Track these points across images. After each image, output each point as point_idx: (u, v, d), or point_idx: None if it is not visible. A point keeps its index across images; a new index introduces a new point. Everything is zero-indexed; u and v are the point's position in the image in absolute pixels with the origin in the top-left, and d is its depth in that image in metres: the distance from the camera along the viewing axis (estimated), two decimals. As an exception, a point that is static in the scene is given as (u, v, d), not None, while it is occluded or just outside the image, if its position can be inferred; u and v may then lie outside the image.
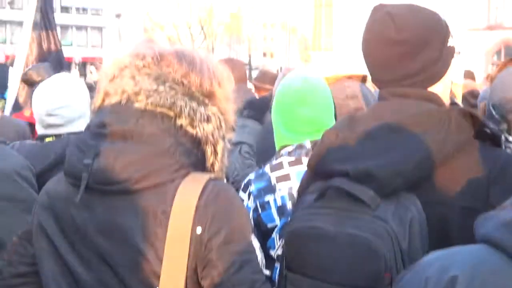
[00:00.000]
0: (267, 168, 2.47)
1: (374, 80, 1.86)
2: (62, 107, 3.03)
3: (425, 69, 1.73)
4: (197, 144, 1.57)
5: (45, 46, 5.90)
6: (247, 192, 2.46)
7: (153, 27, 67.25)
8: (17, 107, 5.39)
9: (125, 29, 55.94)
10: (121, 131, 1.54)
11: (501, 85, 2.97)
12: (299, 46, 72.44)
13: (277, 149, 2.55)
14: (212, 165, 1.60)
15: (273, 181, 2.42)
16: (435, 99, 1.74)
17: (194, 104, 1.56)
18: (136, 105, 1.54)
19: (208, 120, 1.57)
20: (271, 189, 2.41)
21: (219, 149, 1.60)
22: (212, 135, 1.58)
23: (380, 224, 1.49)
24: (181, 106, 1.54)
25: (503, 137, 1.75)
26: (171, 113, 1.54)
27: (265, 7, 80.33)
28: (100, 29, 60.03)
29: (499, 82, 2.98)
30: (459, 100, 4.46)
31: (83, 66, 54.82)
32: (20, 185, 2.59)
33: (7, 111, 5.36)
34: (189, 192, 1.48)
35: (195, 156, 1.57)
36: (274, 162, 2.48)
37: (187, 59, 1.60)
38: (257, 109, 4.07)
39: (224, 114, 1.63)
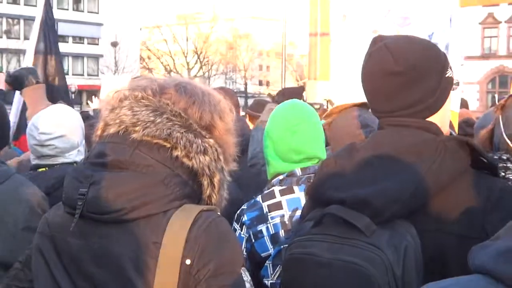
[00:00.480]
0: (259, 198, 2.50)
1: (373, 111, 1.89)
2: (55, 137, 3.04)
3: (423, 100, 1.75)
4: (194, 175, 1.58)
5: (48, 71, 5.88)
6: (240, 222, 2.48)
7: (150, 56, 67.81)
8: (18, 134, 5.36)
9: (122, 58, 56.27)
10: (118, 161, 1.56)
11: None
12: (294, 74, 72.92)
13: (268, 177, 2.58)
14: (209, 197, 1.61)
15: (265, 209, 2.44)
16: (432, 129, 1.75)
17: (190, 136, 1.57)
18: (133, 135, 1.57)
19: (204, 152, 1.58)
20: (263, 218, 2.43)
21: (216, 181, 1.61)
22: (209, 167, 1.59)
23: (374, 251, 1.51)
24: (177, 137, 1.56)
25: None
26: (167, 144, 1.56)
27: (260, 36, 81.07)
28: (96, 58, 60.41)
29: None
30: (455, 128, 4.47)
31: (79, 94, 55.21)
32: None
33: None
34: (180, 224, 1.49)
35: (190, 187, 1.57)
36: (266, 191, 2.51)
37: (188, 92, 1.62)
38: None
39: (223, 147, 1.64)
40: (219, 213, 1.59)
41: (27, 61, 5.90)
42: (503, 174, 2.14)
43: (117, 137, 1.59)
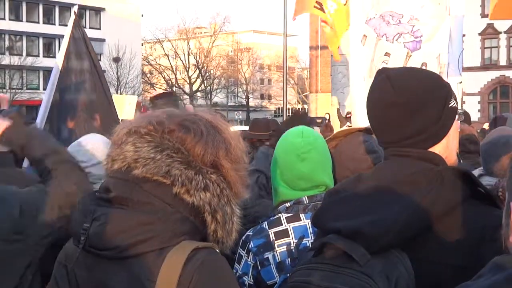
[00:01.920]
0: (265, 224, 2.49)
1: (379, 141, 1.93)
2: (92, 165, 3.11)
3: (424, 130, 1.78)
4: (195, 211, 1.58)
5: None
6: (246, 249, 2.47)
7: (152, 71, 67.85)
8: None
9: (124, 73, 56.33)
10: (119, 198, 1.59)
11: None
12: (296, 87, 72.88)
13: (274, 204, 2.58)
14: (215, 231, 1.61)
15: (272, 237, 2.43)
16: (433, 159, 1.78)
17: (190, 173, 1.57)
18: (134, 172, 1.58)
19: (205, 188, 1.58)
20: (270, 246, 2.42)
21: (219, 217, 1.60)
22: (210, 204, 1.58)
23: (366, 280, 1.54)
24: (175, 174, 1.56)
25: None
26: (167, 181, 1.57)
27: (261, 50, 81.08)
28: (98, 73, 60.41)
29: None
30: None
31: (81, 110, 55.10)
32: None
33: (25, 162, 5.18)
34: (174, 262, 1.49)
35: (191, 224, 1.58)
36: (272, 218, 2.50)
37: (193, 130, 1.62)
38: None
39: (229, 182, 1.64)
40: (217, 250, 1.59)
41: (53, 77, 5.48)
42: None
43: (120, 173, 1.61)
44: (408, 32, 4.78)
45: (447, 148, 1.84)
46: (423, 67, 4.73)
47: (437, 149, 1.81)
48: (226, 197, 1.62)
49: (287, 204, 2.48)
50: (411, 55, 4.80)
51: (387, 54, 4.84)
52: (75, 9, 5.69)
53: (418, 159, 1.77)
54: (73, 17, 5.72)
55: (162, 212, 1.55)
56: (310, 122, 13.56)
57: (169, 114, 1.68)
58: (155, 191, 1.57)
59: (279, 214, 2.48)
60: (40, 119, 5.30)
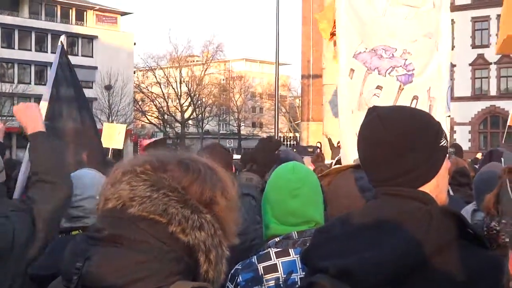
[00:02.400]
0: (254, 259, 2.49)
1: (369, 180, 1.91)
2: (84, 199, 3.13)
3: (415, 170, 1.78)
4: (190, 251, 1.57)
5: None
6: (234, 283, 2.47)
7: (143, 98, 68.06)
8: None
9: (116, 101, 56.46)
10: (114, 236, 1.56)
11: None
12: (287, 116, 73.26)
13: (264, 238, 2.58)
14: (206, 272, 1.59)
15: (260, 271, 2.43)
16: (423, 198, 1.77)
17: (186, 212, 1.57)
18: (130, 210, 1.57)
19: (200, 228, 1.57)
20: (258, 281, 2.42)
21: (212, 257, 1.59)
22: (205, 243, 1.57)
23: None
24: (172, 213, 1.55)
25: None
26: (163, 220, 1.55)
27: (253, 78, 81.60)
28: (90, 101, 60.54)
29: None
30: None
31: (72, 137, 55.12)
32: None
33: (17, 193, 5.20)
34: None
35: (185, 263, 1.56)
36: (262, 252, 2.51)
37: (190, 169, 1.62)
38: (261, 165, 4.20)
39: (222, 223, 1.63)
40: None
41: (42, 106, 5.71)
42: None
43: (115, 212, 1.59)
44: (401, 66, 4.86)
45: (437, 187, 1.83)
46: (415, 100, 4.81)
47: (427, 188, 1.80)
48: (218, 238, 1.62)
49: (277, 239, 2.49)
50: (403, 88, 4.87)
51: (379, 87, 4.90)
52: (62, 38, 5.87)
53: (408, 198, 1.76)
54: (60, 46, 5.90)
55: (158, 250, 1.53)
56: (301, 151, 13.59)
57: (164, 154, 1.68)
58: (151, 230, 1.55)
59: (268, 249, 2.49)
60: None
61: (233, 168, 4.29)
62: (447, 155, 1.87)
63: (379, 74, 4.91)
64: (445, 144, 1.83)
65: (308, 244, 1.88)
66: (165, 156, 1.66)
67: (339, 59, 5.24)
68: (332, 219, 1.97)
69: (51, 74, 5.69)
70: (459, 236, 1.69)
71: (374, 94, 4.92)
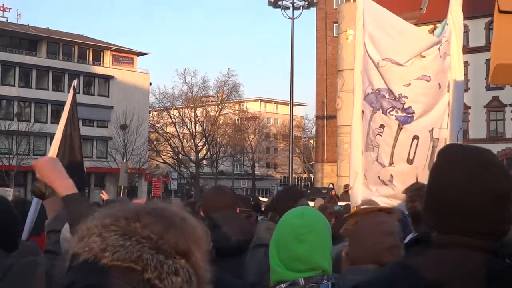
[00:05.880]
0: (260, 305, 2.43)
1: (435, 225, 1.86)
2: None
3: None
4: None
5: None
6: None
7: (158, 138, 68.44)
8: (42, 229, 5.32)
9: (131, 140, 56.80)
10: None
11: None
12: (302, 157, 73.27)
13: (271, 284, 2.54)
14: None
15: None
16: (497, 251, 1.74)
17: (161, 257, 1.53)
18: (103, 261, 1.53)
19: (176, 273, 1.53)
20: None
21: None
22: None
23: None
24: (147, 259, 1.51)
25: None
26: (138, 267, 1.52)
27: (268, 119, 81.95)
28: (105, 140, 61.00)
29: None
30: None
31: (87, 176, 55.41)
32: None
33: (24, 235, 5.21)
34: None
35: None
36: (268, 298, 2.45)
37: (164, 218, 1.59)
38: (281, 214, 4.16)
39: (197, 270, 1.59)
40: None
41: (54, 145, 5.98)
42: None
43: (87, 265, 1.55)
44: (400, 108, 4.98)
45: None
46: (415, 140, 4.90)
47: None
48: (193, 284, 1.58)
49: (283, 285, 2.45)
50: (402, 127, 4.98)
51: (381, 126, 5.07)
52: (74, 83, 6.24)
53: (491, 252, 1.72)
54: (71, 92, 6.31)
55: None
56: (315, 192, 13.52)
57: (134, 205, 1.66)
58: (126, 278, 1.52)
59: (275, 295, 2.44)
60: None
61: (238, 209, 4.24)
62: None
63: (382, 113, 5.08)
64: None
65: None
66: (136, 207, 1.64)
67: (354, 102, 5.39)
68: (375, 276, 1.91)
69: (63, 115, 5.97)
70: None
71: (378, 133, 5.07)
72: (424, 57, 4.97)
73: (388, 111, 5.07)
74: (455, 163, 1.78)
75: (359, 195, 5.12)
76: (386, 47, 5.18)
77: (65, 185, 3.08)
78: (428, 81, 4.96)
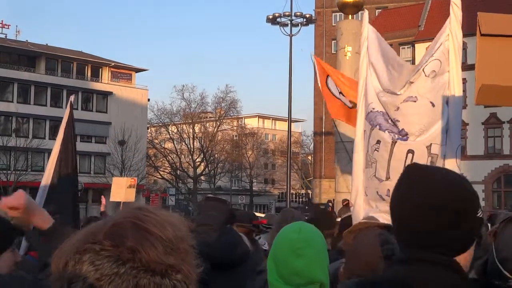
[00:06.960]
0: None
1: (402, 240, 1.88)
2: None
3: (462, 239, 1.77)
4: None
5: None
6: None
7: (156, 154, 68.37)
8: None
9: (129, 156, 56.73)
10: None
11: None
12: (299, 173, 73.22)
13: None
14: None
15: None
16: (459, 269, 1.75)
17: (157, 279, 1.52)
18: None
19: None
20: None
21: None
22: None
23: None
24: (144, 284, 1.50)
25: None
26: None
27: (265, 135, 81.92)
28: (103, 156, 60.93)
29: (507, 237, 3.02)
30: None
31: (85, 192, 55.29)
32: None
33: (22, 249, 5.20)
34: None
35: None
36: (266, 312, 2.46)
37: (149, 235, 1.55)
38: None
39: (191, 283, 1.58)
40: None
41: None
42: None
43: None
44: (396, 132, 5.13)
45: (466, 257, 1.81)
46: (410, 154, 4.94)
47: (461, 257, 1.77)
48: None
49: None
50: (396, 141, 5.06)
51: (378, 141, 5.14)
52: (71, 99, 6.36)
53: (448, 268, 1.74)
54: (68, 107, 6.46)
55: None
56: (312, 209, 13.49)
57: (117, 218, 1.60)
58: None
59: (273, 309, 2.45)
60: (39, 200, 5.59)
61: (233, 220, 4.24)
62: None
63: (379, 129, 5.18)
64: (481, 216, 1.82)
65: None
66: (119, 221, 1.59)
67: (357, 121, 5.51)
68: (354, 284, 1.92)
69: (60, 131, 6.05)
70: None
71: (375, 149, 5.16)
72: (412, 82, 5.07)
73: (385, 129, 5.18)
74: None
75: (360, 212, 5.19)
76: (386, 79, 5.31)
77: (44, 220, 2.95)
78: (415, 101, 5.05)
